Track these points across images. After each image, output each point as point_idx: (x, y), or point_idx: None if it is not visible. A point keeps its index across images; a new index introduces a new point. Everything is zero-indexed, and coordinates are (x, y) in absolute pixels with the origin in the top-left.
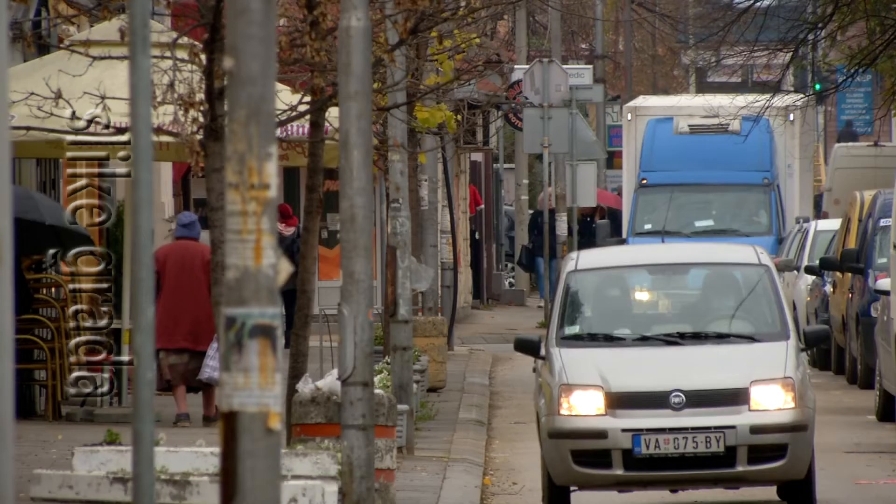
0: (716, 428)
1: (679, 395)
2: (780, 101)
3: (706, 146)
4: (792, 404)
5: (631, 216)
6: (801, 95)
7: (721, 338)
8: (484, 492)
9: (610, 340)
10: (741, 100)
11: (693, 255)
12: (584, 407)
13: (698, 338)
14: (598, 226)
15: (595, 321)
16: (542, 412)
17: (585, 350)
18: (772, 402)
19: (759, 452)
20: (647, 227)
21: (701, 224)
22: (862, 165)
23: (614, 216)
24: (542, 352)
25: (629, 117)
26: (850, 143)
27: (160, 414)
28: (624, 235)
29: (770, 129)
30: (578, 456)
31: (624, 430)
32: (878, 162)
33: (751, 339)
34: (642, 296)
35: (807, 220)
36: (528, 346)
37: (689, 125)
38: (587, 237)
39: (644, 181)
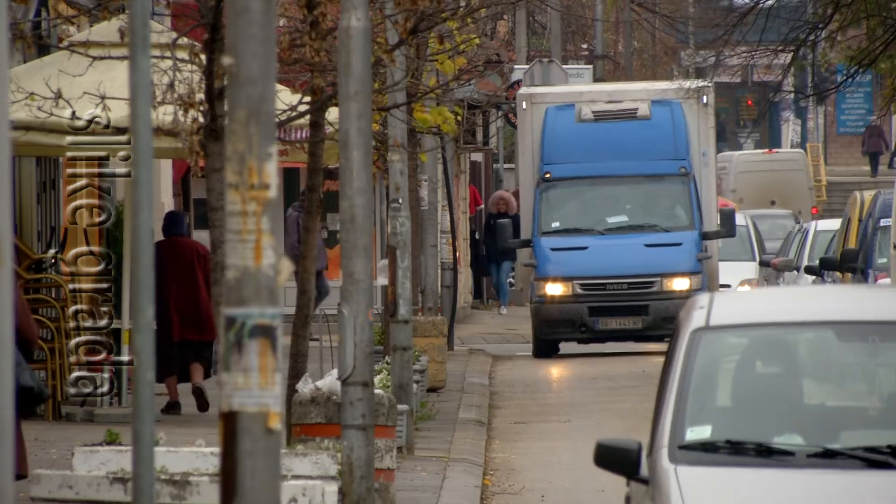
0: None
1: None
2: (691, 83)
3: (614, 134)
4: None
5: (535, 214)
6: (704, 80)
7: None
8: (484, 492)
9: (767, 455)
10: (646, 85)
11: None
12: None
13: None
14: (499, 225)
15: (742, 421)
16: None
17: (723, 471)
18: None
19: None
20: (555, 225)
21: (614, 220)
22: (760, 169)
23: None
24: (645, 469)
25: (524, 106)
26: (749, 151)
27: (160, 414)
28: (528, 236)
29: (683, 113)
30: None
31: None
32: (773, 166)
33: None
34: (824, 378)
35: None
36: (619, 459)
37: (594, 111)
38: (490, 238)
39: (547, 175)
